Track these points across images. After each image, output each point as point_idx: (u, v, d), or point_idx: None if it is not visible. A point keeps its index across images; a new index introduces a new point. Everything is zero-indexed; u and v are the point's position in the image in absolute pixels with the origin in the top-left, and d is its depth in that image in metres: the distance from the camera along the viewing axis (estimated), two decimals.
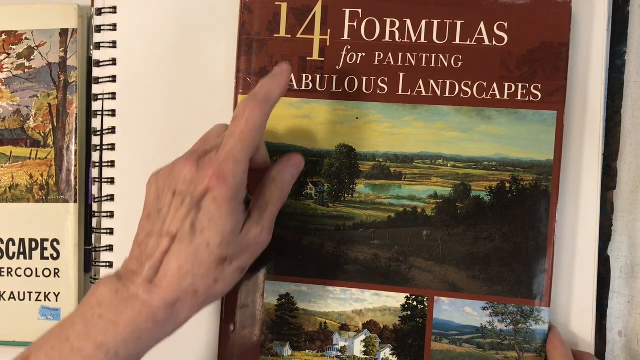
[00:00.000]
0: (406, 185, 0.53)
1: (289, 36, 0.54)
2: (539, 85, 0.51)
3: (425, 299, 0.53)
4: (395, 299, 0.53)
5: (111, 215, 0.58)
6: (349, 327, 0.54)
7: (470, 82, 0.52)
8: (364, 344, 0.54)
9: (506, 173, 0.52)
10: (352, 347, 0.54)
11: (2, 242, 0.60)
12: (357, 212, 0.54)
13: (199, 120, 0.57)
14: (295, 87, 0.54)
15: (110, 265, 0.58)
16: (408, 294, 0.53)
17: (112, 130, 0.59)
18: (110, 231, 0.58)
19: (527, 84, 0.51)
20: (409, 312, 0.53)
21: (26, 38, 0.60)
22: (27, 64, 0.60)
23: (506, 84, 0.52)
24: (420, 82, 0.53)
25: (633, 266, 0.56)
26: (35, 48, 0.60)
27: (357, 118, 0.54)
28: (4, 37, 0.60)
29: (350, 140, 0.54)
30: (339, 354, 0.54)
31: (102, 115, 0.59)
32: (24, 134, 0.60)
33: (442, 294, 0.52)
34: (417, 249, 0.53)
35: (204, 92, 0.58)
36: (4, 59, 0.60)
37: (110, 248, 0.58)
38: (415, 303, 0.53)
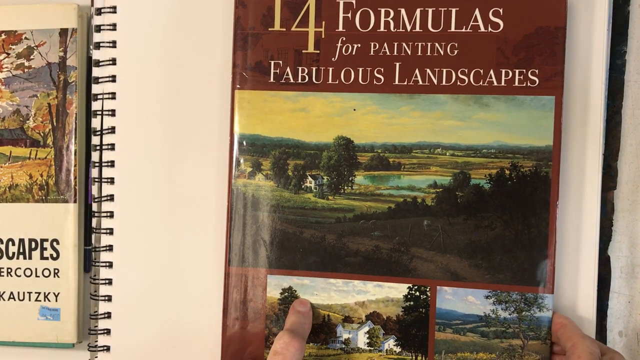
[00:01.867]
0: (405, 176, 0.53)
1: (284, 29, 0.54)
2: (536, 71, 0.51)
3: (427, 289, 0.52)
4: (397, 290, 0.53)
5: (111, 215, 0.58)
6: (352, 319, 0.54)
7: (466, 70, 0.52)
8: (367, 335, 0.54)
9: (505, 160, 0.51)
10: (355, 338, 0.54)
11: (2, 242, 0.60)
12: (357, 204, 0.54)
13: (199, 120, 0.57)
14: (292, 81, 0.54)
15: (110, 265, 0.58)
16: (410, 285, 0.53)
17: (112, 130, 0.58)
18: (110, 231, 0.58)
19: (524, 70, 0.51)
20: (411, 303, 0.53)
21: (26, 38, 0.60)
22: (26, 64, 0.60)
23: (503, 71, 0.51)
24: (417, 71, 0.53)
25: (633, 266, 0.55)
26: (35, 48, 0.60)
27: (354, 109, 0.54)
28: (3, 36, 0.60)
29: (348, 132, 0.54)
30: (343, 345, 0.54)
31: (102, 115, 0.59)
32: (24, 134, 0.60)
33: (445, 283, 0.52)
34: (418, 239, 0.53)
35: (203, 92, 0.57)
36: (4, 59, 0.60)
37: (110, 248, 0.58)
38: (417, 293, 0.53)
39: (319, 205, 0.54)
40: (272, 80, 0.54)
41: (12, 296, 0.60)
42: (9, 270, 0.60)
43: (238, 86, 0.55)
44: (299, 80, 0.54)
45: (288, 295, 0.54)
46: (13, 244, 0.60)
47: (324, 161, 0.54)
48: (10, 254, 0.60)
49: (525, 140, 0.51)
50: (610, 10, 0.53)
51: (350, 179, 0.54)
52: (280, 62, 0.54)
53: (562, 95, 0.51)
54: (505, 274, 0.51)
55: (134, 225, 0.58)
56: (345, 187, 0.54)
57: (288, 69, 0.54)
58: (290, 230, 0.54)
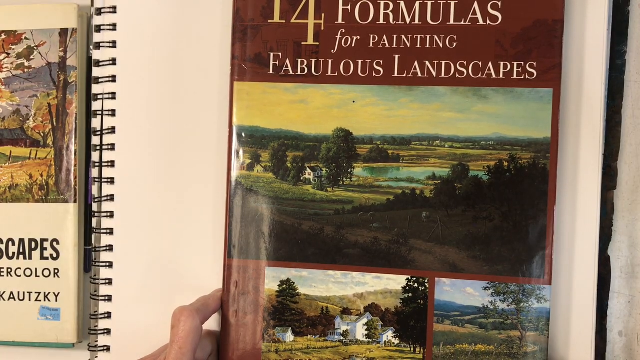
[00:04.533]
0: (404, 167, 0.53)
1: (283, 21, 0.54)
2: (534, 63, 0.51)
3: (426, 281, 0.53)
4: (396, 281, 0.53)
5: (111, 215, 0.58)
6: (351, 311, 0.54)
7: (465, 62, 0.52)
8: (366, 327, 0.54)
9: (504, 152, 0.52)
10: (354, 330, 0.54)
11: (2, 242, 0.60)
12: (356, 196, 0.54)
13: (199, 119, 0.58)
14: (291, 73, 0.54)
15: (110, 265, 0.58)
16: (409, 276, 0.53)
17: (112, 130, 0.58)
18: (110, 231, 0.58)
19: (523, 63, 0.51)
20: (410, 294, 0.53)
21: (26, 38, 0.60)
22: (26, 64, 0.60)
23: (501, 63, 0.51)
24: (416, 63, 0.53)
25: (633, 266, 0.55)
26: (35, 48, 0.60)
27: (354, 101, 0.54)
28: (3, 37, 0.61)
29: (347, 124, 0.54)
30: (342, 338, 0.54)
31: (102, 115, 0.59)
32: (24, 134, 0.61)
33: (443, 275, 0.52)
34: (416, 230, 0.53)
35: (204, 92, 0.57)
36: (4, 59, 0.61)
37: (110, 248, 0.58)
38: (416, 285, 0.53)
39: (317, 197, 0.54)
40: (271, 72, 0.54)
41: (12, 296, 0.60)
42: (9, 270, 0.60)
43: (237, 78, 0.55)
44: (298, 72, 0.54)
45: (286, 287, 0.54)
46: (13, 244, 0.60)
47: (322, 153, 0.54)
48: (10, 254, 0.60)
49: (523, 132, 0.51)
50: (610, 10, 0.53)
51: (349, 170, 0.54)
52: (280, 54, 0.54)
53: (560, 88, 0.51)
54: (504, 266, 0.52)
55: (134, 225, 0.58)
56: (344, 179, 0.54)
57: (287, 61, 0.54)
58: (288, 222, 0.54)
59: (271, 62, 0.54)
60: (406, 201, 0.53)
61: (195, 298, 0.54)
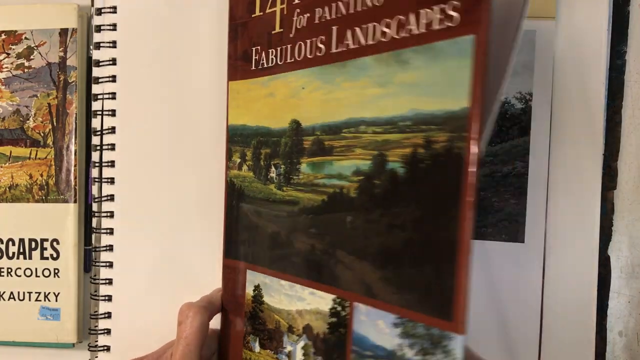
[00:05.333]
0: (336, 161, 0.43)
1: (262, 13, 0.50)
2: (458, 4, 0.35)
3: (347, 305, 0.41)
4: (325, 301, 0.43)
5: (111, 215, 0.59)
6: (294, 329, 0.46)
7: (389, 20, 0.39)
8: (303, 351, 0.45)
9: (420, 134, 0.37)
10: (294, 353, 0.46)
11: (2, 242, 0.60)
12: (301, 196, 0.46)
13: (199, 118, 0.57)
14: (265, 65, 0.49)
15: (110, 265, 0.59)
16: (334, 296, 0.42)
17: (112, 130, 0.59)
18: (110, 231, 0.59)
19: (444, 5, 0.36)
20: (335, 319, 0.43)
21: (26, 38, 0.61)
22: (26, 64, 0.61)
23: (423, 12, 0.37)
24: (348, 33, 0.42)
25: (633, 266, 0.55)
26: (35, 48, 0.61)
27: (303, 88, 0.46)
28: (3, 36, 0.61)
29: (298, 114, 0.47)
30: (287, 359, 0.47)
31: (102, 115, 0.60)
32: (24, 134, 0.61)
33: (360, 299, 0.40)
34: (342, 239, 0.42)
35: (203, 92, 0.57)
36: (4, 59, 0.61)
37: (110, 248, 0.59)
38: (339, 308, 0.42)
39: (277, 197, 0.48)
40: (253, 67, 0.51)
41: (12, 296, 0.60)
42: (9, 270, 0.60)
43: (231, 77, 0.53)
44: (270, 64, 0.49)
45: (257, 293, 0.50)
46: (13, 244, 0.60)
47: (281, 148, 0.48)
48: (10, 254, 0.60)
49: (439, 103, 0.36)
50: (610, 10, 0.53)
51: (297, 167, 0.47)
52: (259, 47, 0.50)
53: (487, 32, 0.34)
54: (413, 295, 0.37)
55: (134, 225, 0.59)
56: (294, 177, 0.47)
57: (263, 54, 0.50)
58: (260, 224, 0.50)
59: (253, 57, 0.51)
60: (336, 202, 0.43)
61: (195, 297, 0.53)
